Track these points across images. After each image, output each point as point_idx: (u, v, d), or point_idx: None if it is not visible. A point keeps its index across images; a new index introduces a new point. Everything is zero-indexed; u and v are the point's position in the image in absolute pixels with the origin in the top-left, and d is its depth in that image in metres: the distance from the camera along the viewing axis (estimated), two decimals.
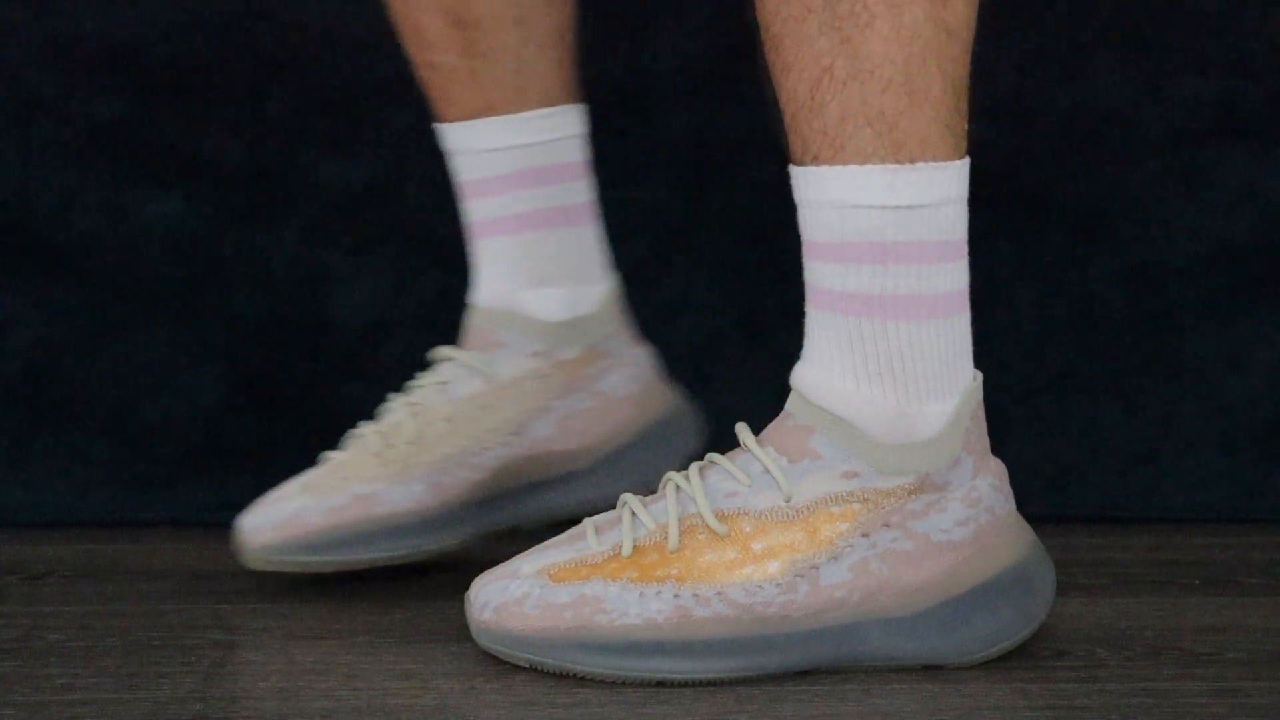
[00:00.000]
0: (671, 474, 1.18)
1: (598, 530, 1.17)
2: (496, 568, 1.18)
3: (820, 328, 1.17)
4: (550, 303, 1.35)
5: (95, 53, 1.57)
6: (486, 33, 1.34)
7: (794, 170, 1.15)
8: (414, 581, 1.37)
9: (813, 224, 1.15)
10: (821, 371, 1.16)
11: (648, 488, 1.32)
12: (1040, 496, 1.57)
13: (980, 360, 1.59)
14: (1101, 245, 1.58)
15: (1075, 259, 1.58)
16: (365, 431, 1.32)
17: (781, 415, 1.17)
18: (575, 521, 1.25)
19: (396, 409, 1.34)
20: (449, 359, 1.35)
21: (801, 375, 1.17)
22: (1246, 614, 1.28)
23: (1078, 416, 1.58)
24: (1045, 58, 1.58)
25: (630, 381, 1.37)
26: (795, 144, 1.14)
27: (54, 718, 1.09)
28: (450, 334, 1.56)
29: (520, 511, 1.35)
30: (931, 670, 1.16)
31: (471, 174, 1.36)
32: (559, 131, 1.36)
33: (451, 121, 1.35)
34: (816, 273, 1.16)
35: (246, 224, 1.58)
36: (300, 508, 1.29)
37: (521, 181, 1.35)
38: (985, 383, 1.59)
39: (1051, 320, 1.58)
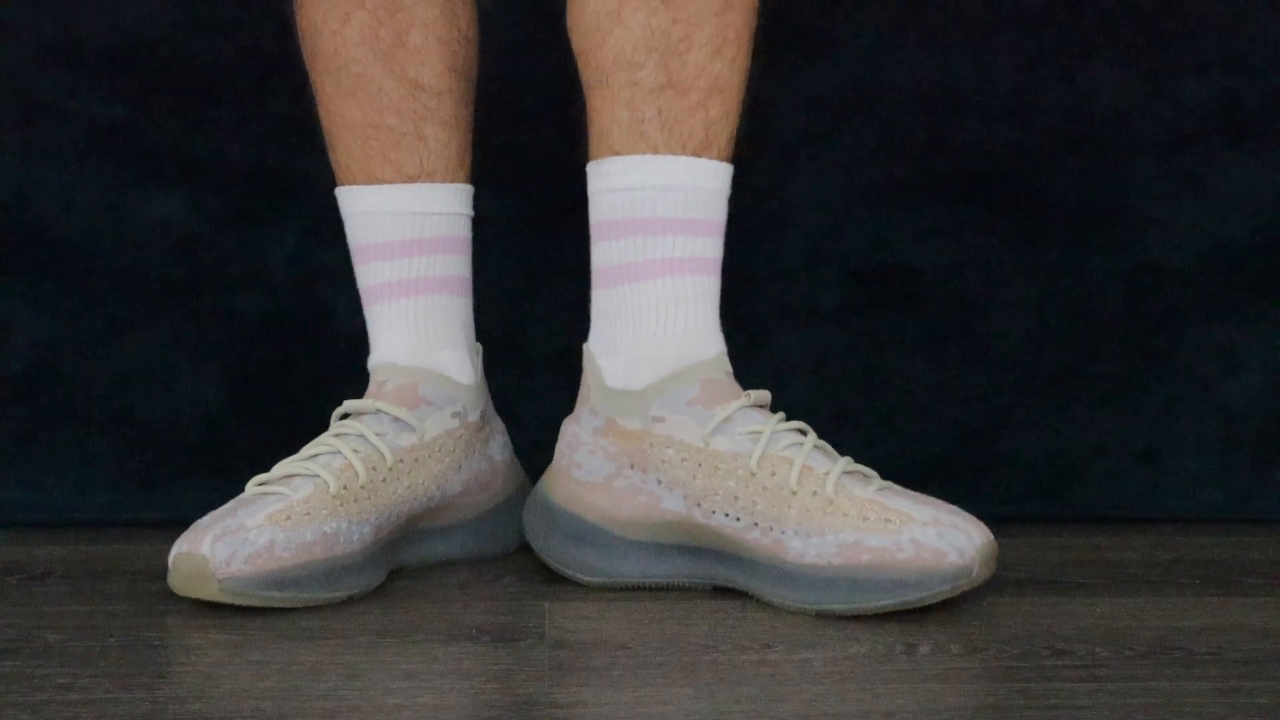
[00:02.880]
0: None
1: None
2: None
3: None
4: (462, 366, 1.42)
5: (95, 53, 1.57)
6: (442, 101, 1.41)
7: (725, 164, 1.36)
8: (414, 581, 1.37)
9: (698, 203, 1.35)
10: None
11: (504, 549, 1.44)
12: (1040, 496, 1.57)
13: (980, 360, 1.59)
14: (1101, 245, 1.58)
15: (1075, 259, 1.58)
16: (315, 470, 1.33)
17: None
18: (448, 565, 1.41)
19: (338, 450, 1.35)
20: (376, 410, 1.38)
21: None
22: (1246, 614, 1.28)
23: (1078, 416, 1.58)
24: (1045, 58, 1.58)
25: (504, 449, 1.46)
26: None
27: (54, 718, 1.09)
28: None
29: (410, 553, 1.40)
30: (932, 670, 1.16)
31: (395, 235, 1.41)
32: (470, 207, 1.44)
33: (382, 183, 1.40)
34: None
35: (246, 224, 1.58)
36: (271, 541, 1.29)
37: (446, 246, 1.42)
38: (985, 383, 1.59)
39: (1051, 320, 1.58)
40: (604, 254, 1.35)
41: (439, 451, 1.39)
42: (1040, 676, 1.15)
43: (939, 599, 1.26)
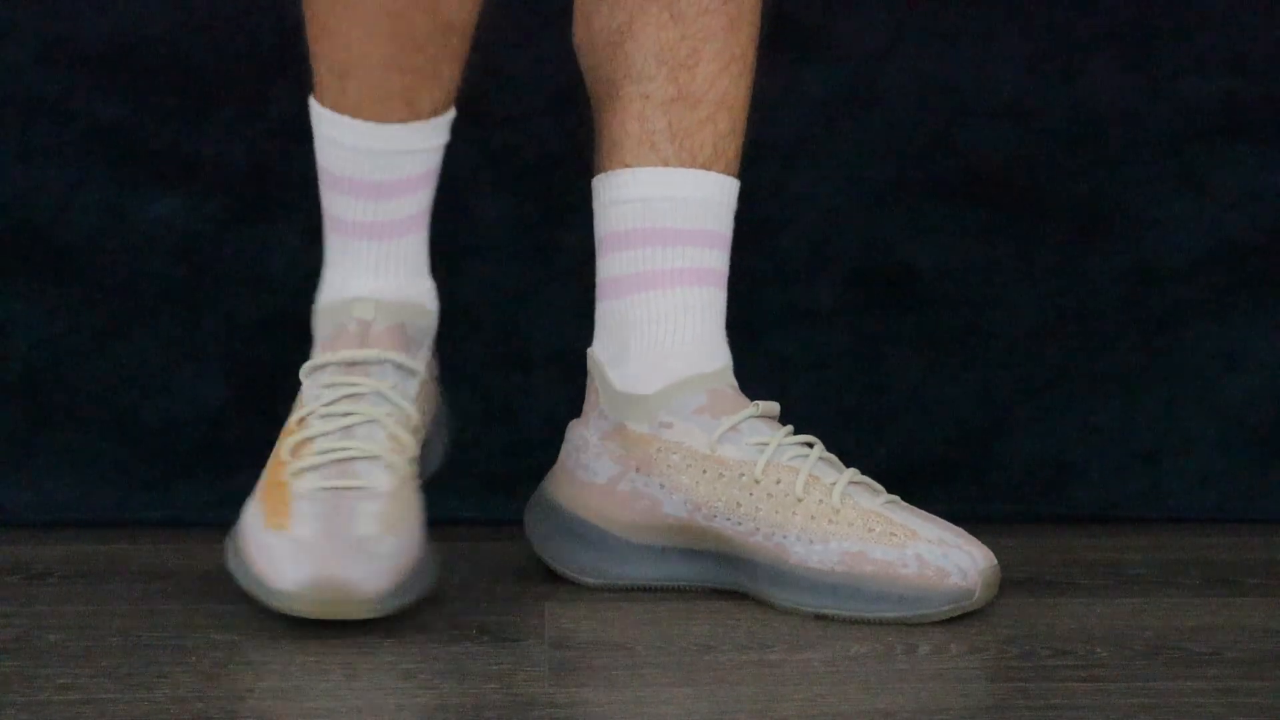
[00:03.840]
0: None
1: None
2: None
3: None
4: (431, 295, 1.37)
5: (95, 53, 1.57)
6: (464, 38, 1.35)
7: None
8: None
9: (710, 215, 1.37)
10: None
11: (433, 469, 1.38)
12: (1040, 496, 1.57)
13: (980, 360, 1.59)
14: (1101, 245, 1.58)
15: (1075, 259, 1.58)
16: (375, 450, 1.28)
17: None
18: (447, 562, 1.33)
19: (374, 419, 1.29)
20: (383, 361, 1.32)
21: None
22: (1246, 614, 1.28)
23: (1078, 416, 1.58)
24: (1045, 58, 1.58)
25: (433, 366, 1.40)
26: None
27: (54, 718, 1.09)
28: (449, 333, 1.56)
29: None
30: (932, 670, 1.16)
31: (399, 173, 1.34)
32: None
33: (400, 121, 1.32)
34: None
35: (246, 224, 1.58)
36: (395, 548, 1.25)
37: (431, 179, 1.36)
38: (985, 383, 1.59)
39: (1051, 320, 1.58)
40: (614, 265, 1.36)
41: (425, 392, 1.36)
42: (1040, 676, 1.15)
43: (938, 618, 1.26)
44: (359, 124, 1.33)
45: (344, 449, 1.29)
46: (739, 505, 1.31)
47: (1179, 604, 1.31)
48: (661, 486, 1.33)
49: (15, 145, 1.57)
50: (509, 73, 1.55)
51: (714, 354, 1.36)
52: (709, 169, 1.35)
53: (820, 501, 1.29)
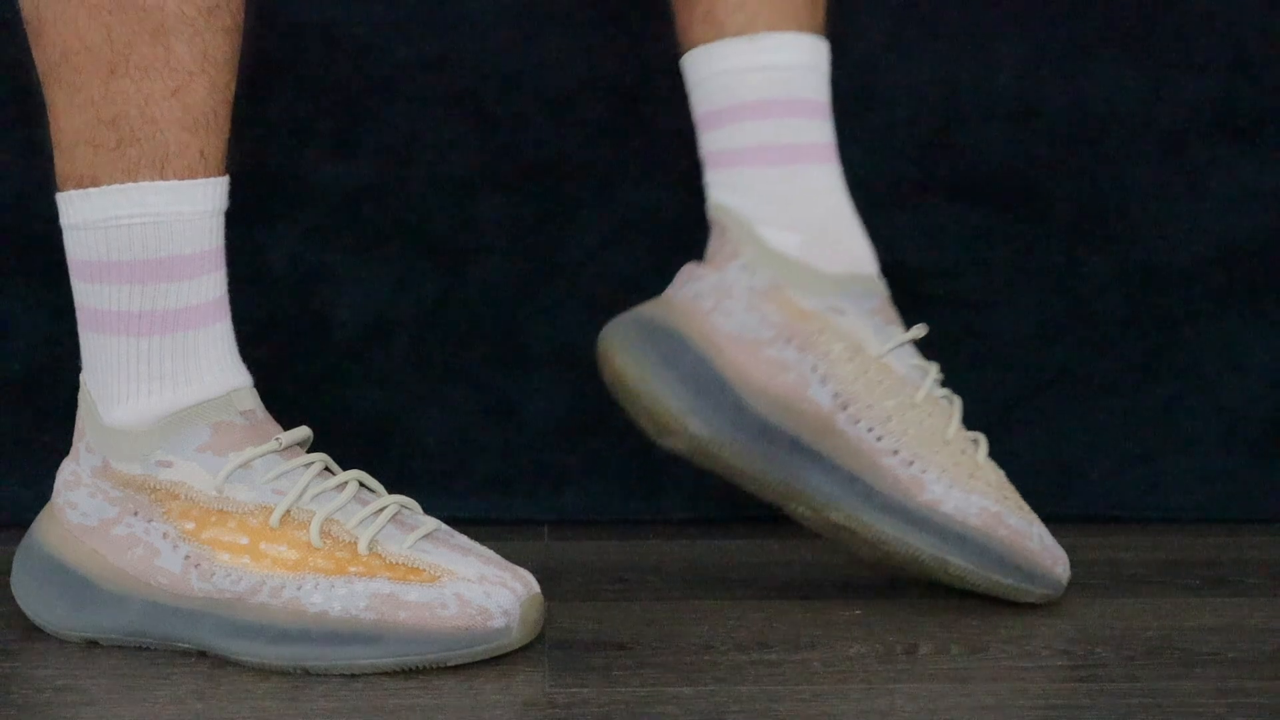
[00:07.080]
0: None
1: None
2: None
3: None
4: None
5: None
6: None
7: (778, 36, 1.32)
8: None
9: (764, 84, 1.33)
10: None
11: None
12: (1040, 496, 1.57)
13: (980, 360, 1.59)
14: (1101, 245, 1.58)
15: (1075, 259, 1.58)
16: (402, 500, 1.22)
17: None
18: None
19: (358, 479, 1.23)
20: (307, 439, 1.27)
21: None
22: (1246, 614, 1.28)
23: (1078, 416, 1.58)
24: (1045, 58, 1.58)
25: None
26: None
27: (54, 718, 1.09)
28: (451, 334, 1.56)
29: None
30: (932, 670, 1.16)
31: (222, 235, 1.28)
32: None
33: (220, 176, 1.26)
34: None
35: (246, 224, 1.58)
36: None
37: None
38: (986, 382, 1.59)
39: (1051, 320, 1.58)
40: (775, 131, 1.34)
41: None
42: (1040, 676, 1.15)
43: (1041, 600, 1.28)
44: (204, 183, 1.24)
45: (382, 509, 1.20)
46: (890, 419, 1.29)
47: (1179, 604, 1.31)
48: (818, 375, 1.29)
49: (15, 145, 1.57)
50: (509, 73, 1.55)
51: (864, 249, 1.37)
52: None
53: (963, 452, 1.28)
